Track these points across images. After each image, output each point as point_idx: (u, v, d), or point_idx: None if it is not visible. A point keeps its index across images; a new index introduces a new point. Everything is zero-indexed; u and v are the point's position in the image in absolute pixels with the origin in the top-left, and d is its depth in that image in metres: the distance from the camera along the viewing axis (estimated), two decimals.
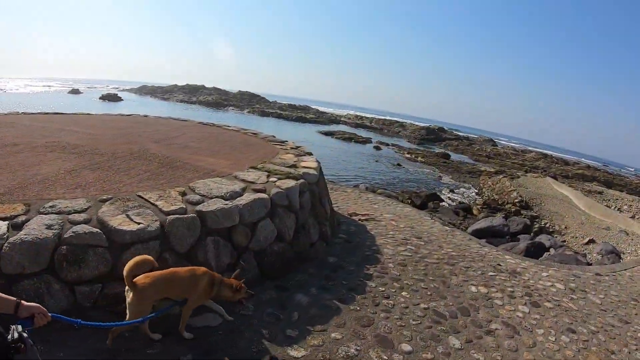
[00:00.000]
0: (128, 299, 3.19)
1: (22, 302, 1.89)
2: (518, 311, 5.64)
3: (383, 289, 5.43)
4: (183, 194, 4.85)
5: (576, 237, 16.52)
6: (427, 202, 19.85)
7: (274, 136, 10.78)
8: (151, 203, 4.47)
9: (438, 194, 22.75)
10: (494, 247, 9.40)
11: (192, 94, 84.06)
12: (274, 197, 5.49)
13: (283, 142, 9.92)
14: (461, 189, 25.62)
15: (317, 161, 7.85)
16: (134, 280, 3.17)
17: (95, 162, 5.70)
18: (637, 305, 6.98)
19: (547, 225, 18.80)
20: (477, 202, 22.03)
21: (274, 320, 4.38)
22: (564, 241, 15.88)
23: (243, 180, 5.77)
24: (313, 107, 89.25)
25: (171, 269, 3.56)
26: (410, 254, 7.05)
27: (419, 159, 35.79)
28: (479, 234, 13.78)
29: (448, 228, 10.40)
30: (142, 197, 4.57)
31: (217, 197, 4.94)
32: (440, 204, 20.62)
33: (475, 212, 19.70)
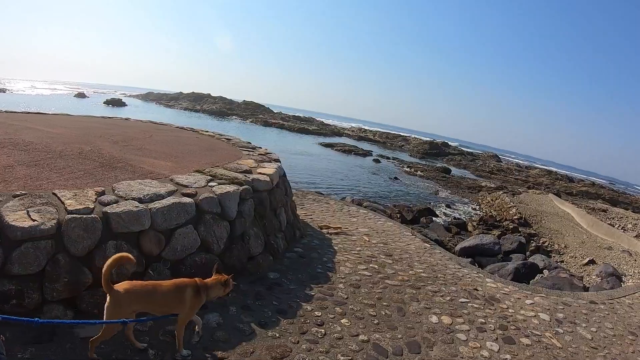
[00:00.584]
0: (106, 303, 3.04)
1: None
2: (484, 349, 4.69)
3: (319, 314, 4.69)
4: (101, 193, 4.45)
5: (575, 257, 15.49)
6: (419, 217, 18.93)
7: (249, 142, 10.22)
8: (61, 201, 4.11)
9: (433, 208, 21.80)
10: (476, 269, 8.47)
11: (196, 102, 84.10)
12: (202, 203, 4.95)
13: (254, 148, 9.39)
14: (458, 204, 24.63)
15: (278, 169, 7.35)
16: (113, 284, 3.04)
17: (36, 160, 5.26)
18: (635, 341, 6.03)
19: (546, 243, 17.78)
20: (473, 218, 21.04)
21: (168, 339, 3.66)
22: (562, 261, 14.86)
23: (177, 184, 5.24)
24: (318, 119, 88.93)
25: (155, 281, 3.41)
26: (370, 274, 6.31)
27: (418, 173, 34.86)
28: (466, 252, 12.83)
29: (428, 245, 9.51)
30: (56, 195, 4.22)
31: (133, 199, 4.46)
32: (434, 219, 19.68)
33: (470, 228, 18.73)
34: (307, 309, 4.73)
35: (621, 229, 21.22)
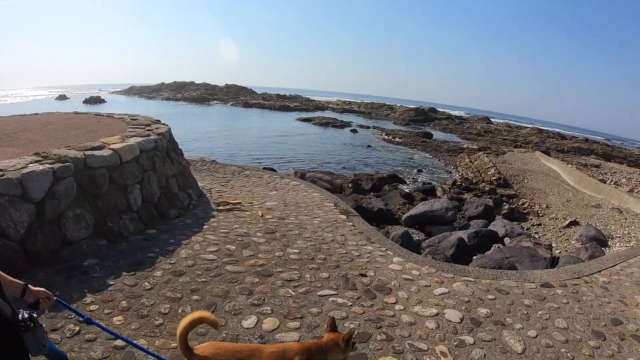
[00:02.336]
0: None
1: (30, 285, 1.92)
2: None
3: (95, 308, 3.72)
4: None
5: (556, 219, 13.22)
6: (380, 185, 16.72)
7: (158, 120, 9.29)
8: None
9: (402, 175, 19.55)
10: (389, 245, 6.27)
11: (178, 91, 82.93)
12: None
13: (148, 124, 8.45)
14: (433, 168, 22.41)
15: (142, 142, 6.56)
16: (194, 347, 2.24)
17: None
18: (599, 348, 3.77)
19: (525, 205, 15.52)
20: (446, 182, 18.73)
21: None
22: (539, 224, 12.58)
23: None
24: (304, 96, 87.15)
25: (254, 345, 2.83)
26: (214, 258, 5.10)
27: (396, 139, 32.47)
28: (413, 221, 10.72)
29: (344, 217, 7.60)
30: None
31: None
32: (399, 186, 17.40)
33: (439, 193, 16.45)
34: (86, 301, 3.81)
35: (614, 184, 18.87)
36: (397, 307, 4.13)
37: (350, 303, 4.10)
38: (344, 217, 7.60)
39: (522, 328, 4.00)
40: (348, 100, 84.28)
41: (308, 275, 4.78)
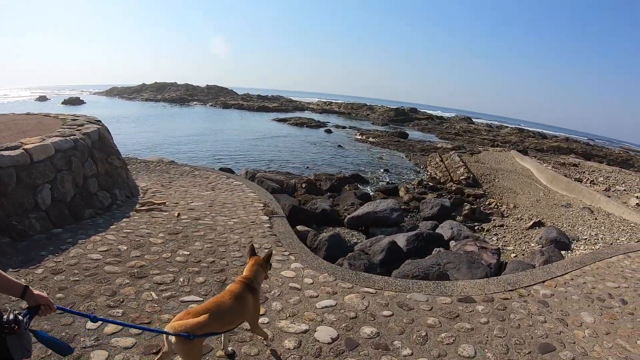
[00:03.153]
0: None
1: (31, 288, 1.88)
2: None
3: None
4: None
5: (521, 219, 12.21)
6: (339, 185, 15.59)
7: (99, 121, 9.02)
8: None
9: (367, 174, 18.48)
10: (299, 250, 5.56)
11: (159, 92, 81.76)
12: None
13: (82, 124, 8.19)
14: (401, 168, 21.38)
15: (59, 142, 6.46)
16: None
17: None
18: None
19: (493, 204, 14.53)
20: (412, 182, 17.69)
21: None
22: (502, 225, 11.53)
23: None
24: (286, 97, 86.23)
25: (214, 301, 2.74)
26: (99, 257, 4.85)
27: (370, 139, 31.40)
28: (356, 222, 9.67)
29: (265, 218, 7.18)
30: None
31: None
32: (361, 186, 16.33)
33: (401, 193, 15.37)
34: None
35: (590, 182, 17.94)
36: (261, 319, 3.28)
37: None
38: (265, 218, 7.14)
39: (411, 355, 2.90)
40: (329, 100, 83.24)
41: (182, 279, 4.43)
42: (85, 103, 61.45)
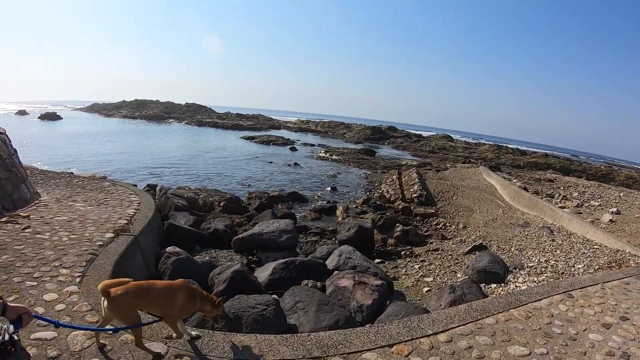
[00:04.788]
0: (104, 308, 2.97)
1: (8, 303, 1.87)
2: None
3: None
4: None
5: (464, 242, 10.20)
6: (270, 203, 13.58)
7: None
8: None
9: (307, 193, 16.44)
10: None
11: (137, 109, 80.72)
12: None
13: None
14: (352, 186, 19.45)
15: None
16: (108, 290, 2.91)
17: None
18: None
19: (441, 225, 12.53)
20: (357, 200, 15.69)
21: None
22: (437, 250, 9.46)
23: None
24: (267, 115, 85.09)
25: (149, 280, 3.32)
26: None
27: (333, 157, 29.51)
28: (241, 245, 8.15)
29: (109, 235, 6.31)
30: None
31: None
32: (295, 206, 14.30)
33: (338, 213, 13.35)
34: None
35: (562, 198, 16.03)
36: None
37: None
38: (110, 235, 6.25)
39: None
40: (306, 119, 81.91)
41: None
42: (62, 119, 60.01)
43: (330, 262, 6.73)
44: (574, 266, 7.96)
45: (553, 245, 9.47)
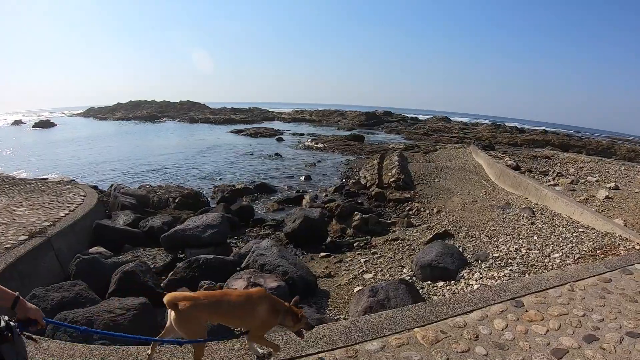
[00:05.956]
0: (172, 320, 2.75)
1: (22, 298, 1.77)
2: None
3: None
4: None
5: (431, 229, 9.05)
6: (233, 196, 12.64)
7: None
8: None
9: (277, 184, 15.38)
10: None
11: (131, 110, 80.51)
12: None
13: None
14: (329, 174, 18.36)
15: None
16: (177, 302, 2.68)
17: None
18: None
19: (414, 210, 11.42)
20: (328, 189, 14.59)
21: None
22: (396, 239, 8.32)
23: None
24: (263, 108, 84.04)
25: (223, 290, 3.25)
26: None
27: (318, 145, 28.37)
28: (168, 242, 7.57)
29: (22, 238, 5.98)
30: None
31: None
32: (261, 196, 13.30)
33: (304, 202, 12.32)
34: None
35: (557, 175, 14.80)
36: None
37: None
38: (23, 238, 5.99)
39: None
40: (300, 109, 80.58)
41: None
42: (55, 125, 59.54)
43: (247, 260, 5.86)
44: (549, 255, 6.78)
45: (531, 230, 8.29)
